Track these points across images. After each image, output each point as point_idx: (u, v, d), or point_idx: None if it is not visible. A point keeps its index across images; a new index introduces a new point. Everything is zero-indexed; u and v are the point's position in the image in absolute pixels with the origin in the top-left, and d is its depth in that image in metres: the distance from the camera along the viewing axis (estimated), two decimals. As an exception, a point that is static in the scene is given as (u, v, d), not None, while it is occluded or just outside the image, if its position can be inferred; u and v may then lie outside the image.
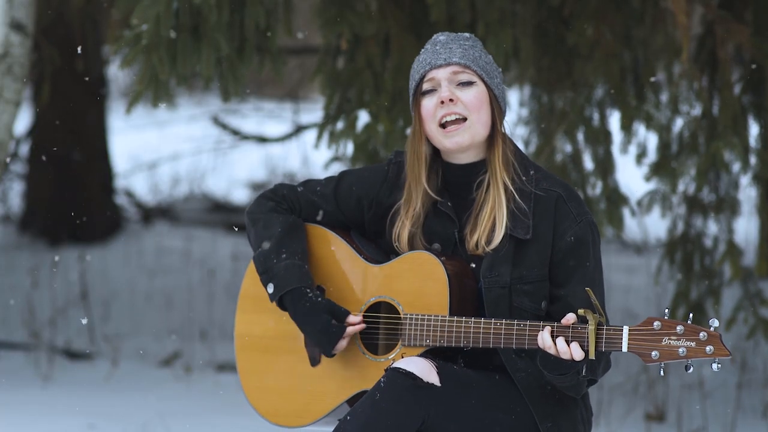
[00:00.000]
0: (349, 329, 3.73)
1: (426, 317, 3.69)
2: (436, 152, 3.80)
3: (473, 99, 3.71)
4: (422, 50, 3.79)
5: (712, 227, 6.23)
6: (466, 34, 3.79)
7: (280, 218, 3.83)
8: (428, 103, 3.73)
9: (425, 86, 3.73)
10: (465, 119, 3.70)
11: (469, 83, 3.71)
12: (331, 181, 3.89)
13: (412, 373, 3.56)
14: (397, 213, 3.80)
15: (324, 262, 3.86)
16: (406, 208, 3.78)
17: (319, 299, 3.73)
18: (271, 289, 3.76)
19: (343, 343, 3.73)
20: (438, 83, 3.72)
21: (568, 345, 3.53)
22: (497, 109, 3.74)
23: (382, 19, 5.71)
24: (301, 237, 3.83)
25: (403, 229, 3.78)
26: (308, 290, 3.74)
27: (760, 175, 5.87)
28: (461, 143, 3.72)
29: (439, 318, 3.67)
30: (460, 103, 3.70)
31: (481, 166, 3.75)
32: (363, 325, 3.75)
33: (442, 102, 3.70)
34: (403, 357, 3.69)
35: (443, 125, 3.71)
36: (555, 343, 3.53)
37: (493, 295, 3.67)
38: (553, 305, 3.69)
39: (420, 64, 3.75)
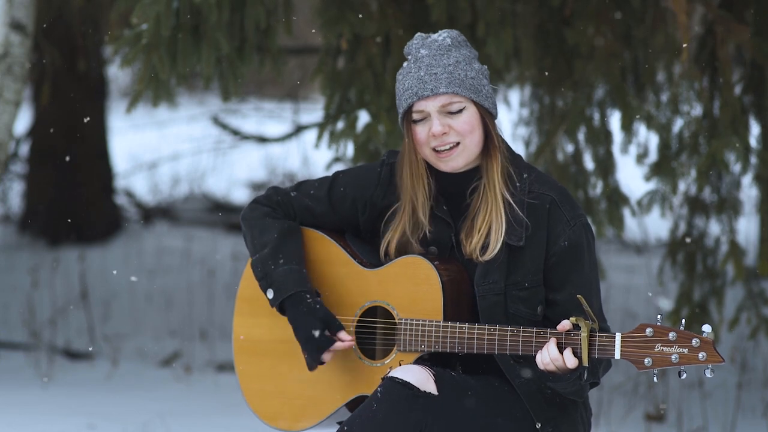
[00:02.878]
0: (338, 344, 3.73)
1: (420, 322, 3.68)
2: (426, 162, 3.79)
3: (465, 125, 3.67)
4: (405, 65, 3.74)
5: (714, 227, 6.23)
6: (447, 40, 3.71)
7: (276, 223, 3.82)
8: (420, 131, 3.69)
9: (415, 116, 3.69)
10: (458, 143, 3.68)
11: (459, 111, 3.67)
12: (325, 182, 3.87)
13: (409, 383, 3.56)
14: (392, 218, 3.79)
15: (319, 267, 3.86)
16: (399, 220, 3.77)
17: (317, 306, 3.74)
18: (270, 294, 3.76)
19: (327, 356, 3.73)
20: (428, 114, 3.68)
21: (561, 352, 3.53)
22: (489, 120, 3.71)
23: (383, 19, 5.71)
24: (298, 241, 3.83)
25: (392, 240, 3.77)
26: (307, 295, 3.74)
27: (761, 176, 5.86)
28: (456, 167, 3.71)
29: (434, 323, 3.67)
30: (452, 131, 3.67)
31: (474, 173, 3.74)
32: (352, 343, 3.74)
33: (435, 135, 3.67)
34: (400, 363, 3.68)
35: (437, 150, 3.69)
36: (562, 354, 3.52)
37: (487, 302, 3.66)
38: (550, 310, 3.68)
39: (406, 92, 3.69)
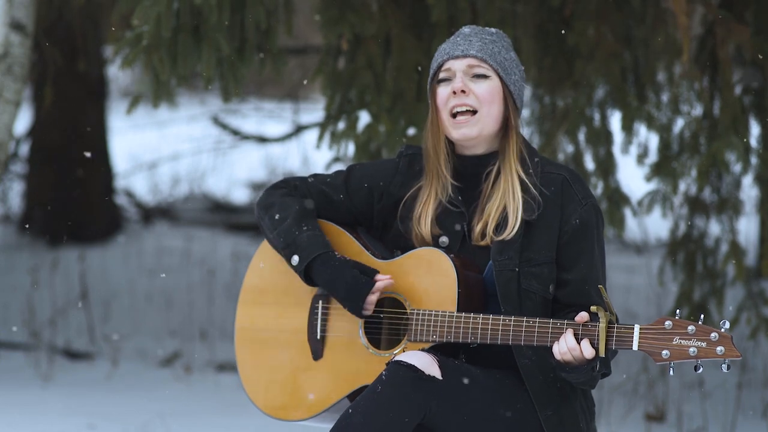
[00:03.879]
0: (379, 283, 3.73)
1: (433, 313, 3.70)
2: (450, 144, 3.83)
3: (485, 93, 3.75)
4: (447, 40, 3.85)
5: (715, 228, 6.23)
6: (493, 30, 3.84)
7: (296, 200, 3.86)
8: (442, 92, 3.78)
9: (441, 75, 3.79)
10: (475, 112, 3.74)
11: (484, 77, 3.76)
12: (341, 173, 3.93)
13: (414, 366, 3.57)
14: (408, 206, 3.82)
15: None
16: (427, 198, 3.79)
17: (346, 259, 3.75)
18: (296, 260, 3.77)
19: (372, 298, 3.72)
20: (453, 73, 3.77)
21: (579, 342, 3.54)
22: (511, 104, 3.78)
23: (383, 20, 5.71)
24: (316, 218, 3.85)
25: (425, 219, 3.79)
26: (335, 254, 3.76)
27: (762, 176, 5.87)
28: (468, 135, 3.76)
29: (447, 314, 3.68)
30: (472, 95, 3.75)
31: (491, 157, 3.79)
32: (392, 281, 3.75)
33: (455, 92, 3.74)
34: (404, 351, 3.69)
35: (454, 115, 3.76)
36: (579, 344, 3.53)
37: (503, 278, 3.69)
38: (560, 290, 3.72)
39: (439, 53, 3.80)
